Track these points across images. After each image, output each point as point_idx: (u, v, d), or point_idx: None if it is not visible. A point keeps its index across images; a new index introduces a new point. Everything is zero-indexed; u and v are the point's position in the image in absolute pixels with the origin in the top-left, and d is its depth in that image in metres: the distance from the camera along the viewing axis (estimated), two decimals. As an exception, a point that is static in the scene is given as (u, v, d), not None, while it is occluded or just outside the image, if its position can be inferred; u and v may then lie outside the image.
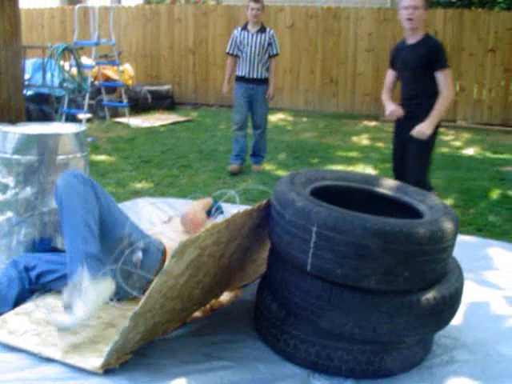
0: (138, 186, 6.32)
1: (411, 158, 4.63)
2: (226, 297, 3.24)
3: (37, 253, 3.24)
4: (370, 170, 7.19)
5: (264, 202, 2.71)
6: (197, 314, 3.01)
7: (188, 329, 2.88)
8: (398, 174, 4.71)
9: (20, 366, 2.50)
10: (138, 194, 5.83)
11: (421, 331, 2.55)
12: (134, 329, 2.38)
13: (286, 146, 8.44)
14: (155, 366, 2.54)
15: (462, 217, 5.42)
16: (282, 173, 6.98)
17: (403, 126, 4.66)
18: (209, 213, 3.78)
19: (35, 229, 3.33)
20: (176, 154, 7.68)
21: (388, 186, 3.04)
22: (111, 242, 2.87)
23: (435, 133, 4.57)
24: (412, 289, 2.48)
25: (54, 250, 3.33)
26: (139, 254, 2.91)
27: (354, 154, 8.19)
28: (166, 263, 2.24)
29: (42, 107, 8.51)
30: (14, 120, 6.47)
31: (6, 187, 3.26)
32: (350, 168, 7.27)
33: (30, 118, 7.84)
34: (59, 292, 3.10)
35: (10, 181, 3.25)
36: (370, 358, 2.55)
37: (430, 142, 4.58)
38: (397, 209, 2.89)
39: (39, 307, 2.96)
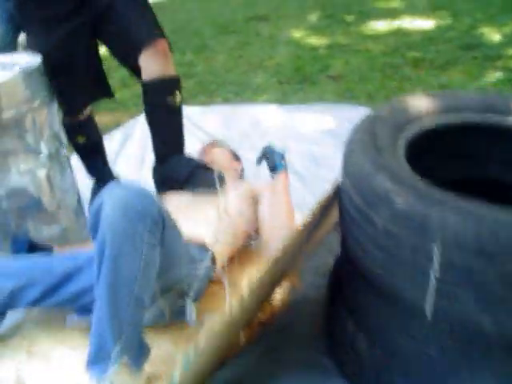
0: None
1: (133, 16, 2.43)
2: (279, 294, 2.15)
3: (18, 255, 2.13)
4: (420, 23, 5.79)
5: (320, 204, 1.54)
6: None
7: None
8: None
9: None
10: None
11: None
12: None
13: (313, 2, 6.97)
14: None
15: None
16: (315, 40, 5.65)
17: None
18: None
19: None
20: (188, 32, 6.34)
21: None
22: (162, 285, 1.76)
23: None
24: None
25: (33, 247, 2.20)
26: (192, 315, 1.84)
27: (395, 3, 6.70)
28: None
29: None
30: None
31: None
32: (396, 23, 5.86)
33: None
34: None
35: None
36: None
37: None
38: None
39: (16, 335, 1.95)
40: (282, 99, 4.33)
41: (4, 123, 2.15)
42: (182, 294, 1.86)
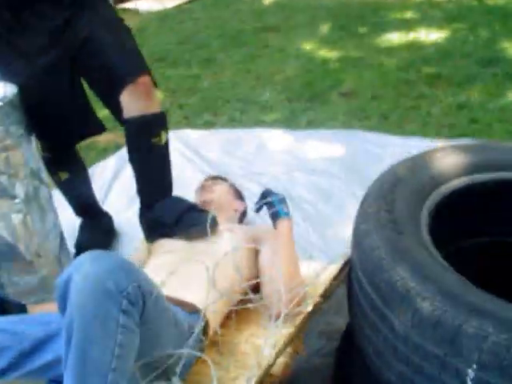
0: (151, 97, 4.81)
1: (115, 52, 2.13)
2: (282, 357, 1.87)
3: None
4: (436, 35, 5.48)
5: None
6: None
7: None
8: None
9: None
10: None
11: None
12: None
13: (325, 13, 6.66)
14: None
15: None
16: (326, 53, 5.37)
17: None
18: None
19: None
20: (195, 44, 6.07)
21: None
22: (144, 365, 1.51)
23: None
24: None
25: (1, 306, 1.93)
26: None
27: (410, 14, 6.38)
28: None
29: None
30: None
31: None
32: (411, 35, 5.56)
33: None
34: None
35: None
36: None
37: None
38: None
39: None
40: (291, 118, 4.06)
41: (-28, 164, 1.90)
42: (168, 371, 1.60)
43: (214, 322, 1.77)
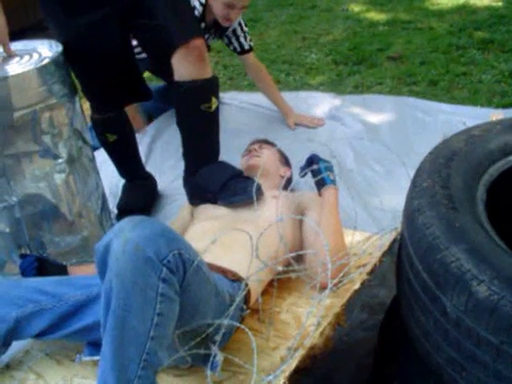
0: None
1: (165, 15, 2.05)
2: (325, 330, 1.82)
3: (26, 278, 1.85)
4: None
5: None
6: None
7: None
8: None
9: None
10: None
11: None
12: None
13: (375, -27, 6.45)
14: None
15: None
16: (374, 15, 5.20)
17: None
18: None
19: (6, 228, 1.97)
20: (241, 3, 5.93)
21: None
22: (183, 334, 1.48)
23: None
24: None
25: (43, 266, 1.90)
26: (218, 362, 1.53)
27: (463, -25, 6.12)
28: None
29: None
30: None
31: None
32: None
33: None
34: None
35: None
36: None
37: None
38: None
39: (23, 367, 1.71)
40: (337, 82, 3.96)
41: (16, 124, 1.87)
42: (207, 339, 1.56)
43: (256, 291, 1.73)
